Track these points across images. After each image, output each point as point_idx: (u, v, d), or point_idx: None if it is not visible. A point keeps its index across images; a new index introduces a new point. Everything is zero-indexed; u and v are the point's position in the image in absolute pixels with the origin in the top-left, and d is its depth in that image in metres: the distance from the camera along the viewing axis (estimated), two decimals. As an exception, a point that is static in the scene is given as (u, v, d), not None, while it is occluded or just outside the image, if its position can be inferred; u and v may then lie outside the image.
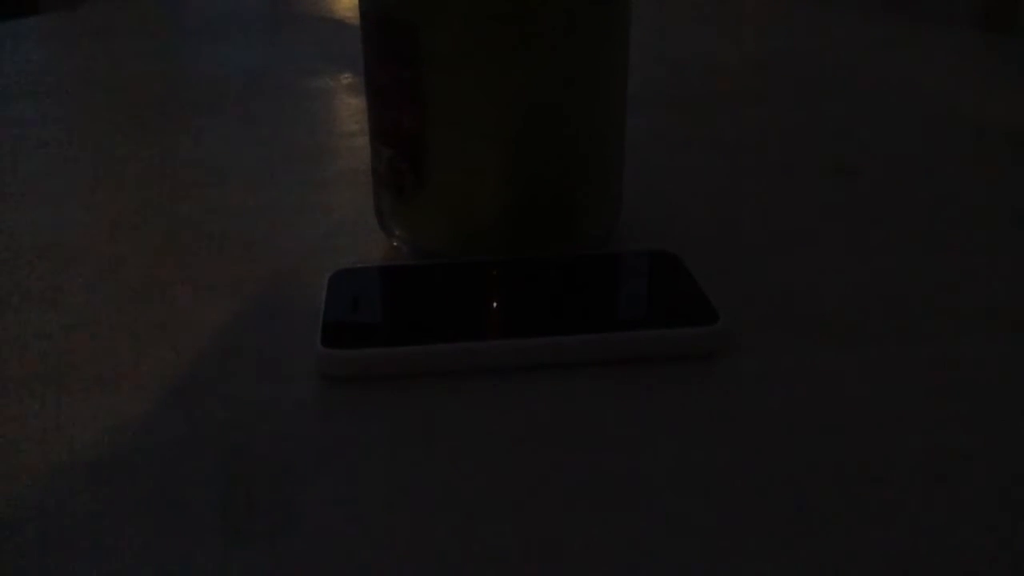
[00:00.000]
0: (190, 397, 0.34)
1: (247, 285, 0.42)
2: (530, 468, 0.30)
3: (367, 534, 0.28)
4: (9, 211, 0.50)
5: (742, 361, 0.36)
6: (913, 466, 0.30)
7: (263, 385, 0.35)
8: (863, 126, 0.63)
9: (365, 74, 0.42)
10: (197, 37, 0.89)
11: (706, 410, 0.33)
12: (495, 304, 0.38)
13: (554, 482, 0.30)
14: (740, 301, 0.40)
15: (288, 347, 0.37)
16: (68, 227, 0.48)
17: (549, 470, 0.30)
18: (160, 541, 0.28)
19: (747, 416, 0.33)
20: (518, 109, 0.39)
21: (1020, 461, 0.31)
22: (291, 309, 0.40)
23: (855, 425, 0.32)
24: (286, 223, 0.48)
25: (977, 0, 0.88)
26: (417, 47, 0.38)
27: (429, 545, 0.27)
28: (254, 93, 0.71)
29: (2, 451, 0.32)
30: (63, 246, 0.46)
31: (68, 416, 0.33)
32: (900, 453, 0.31)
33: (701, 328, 0.36)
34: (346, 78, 0.76)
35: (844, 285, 0.42)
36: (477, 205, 0.41)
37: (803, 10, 0.98)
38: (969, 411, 0.33)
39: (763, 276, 0.43)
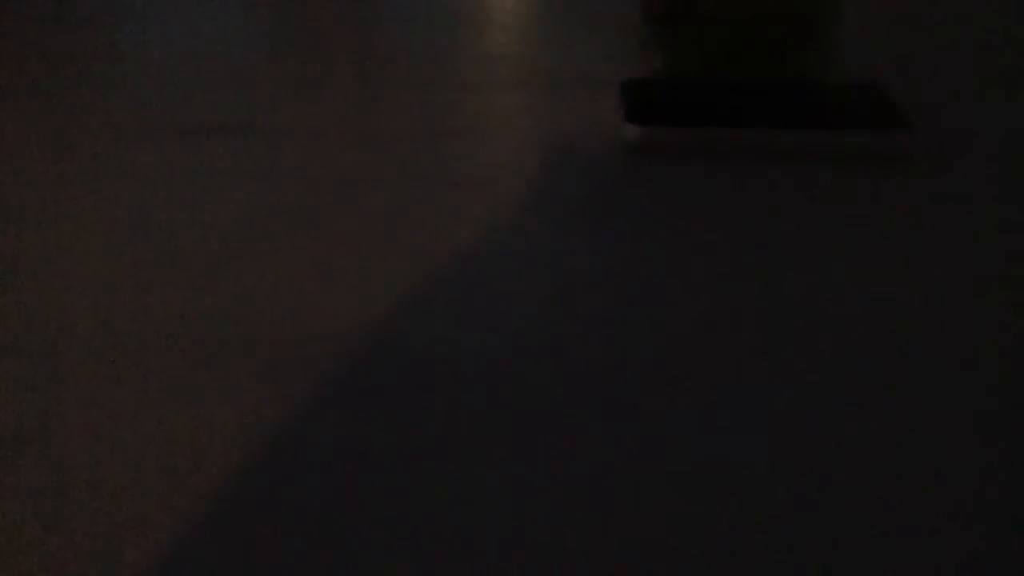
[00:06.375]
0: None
1: (537, 89, 0.57)
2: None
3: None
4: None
5: (928, 175, 0.48)
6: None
7: (571, 155, 0.50)
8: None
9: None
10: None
11: (897, 204, 0.46)
12: (754, 108, 0.52)
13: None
14: (939, 131, 0.52)
15: (592, 130, 0.52)
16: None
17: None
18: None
19: (931, 215, 0.45)
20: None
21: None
22: (590, 106, 0.55)
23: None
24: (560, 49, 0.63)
25: None
26: None
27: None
28: None
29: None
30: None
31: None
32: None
33: (896, 133, 0.50)
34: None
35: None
36: (737, 30, 0.55)
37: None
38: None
39: (968, 114, 0.53)
